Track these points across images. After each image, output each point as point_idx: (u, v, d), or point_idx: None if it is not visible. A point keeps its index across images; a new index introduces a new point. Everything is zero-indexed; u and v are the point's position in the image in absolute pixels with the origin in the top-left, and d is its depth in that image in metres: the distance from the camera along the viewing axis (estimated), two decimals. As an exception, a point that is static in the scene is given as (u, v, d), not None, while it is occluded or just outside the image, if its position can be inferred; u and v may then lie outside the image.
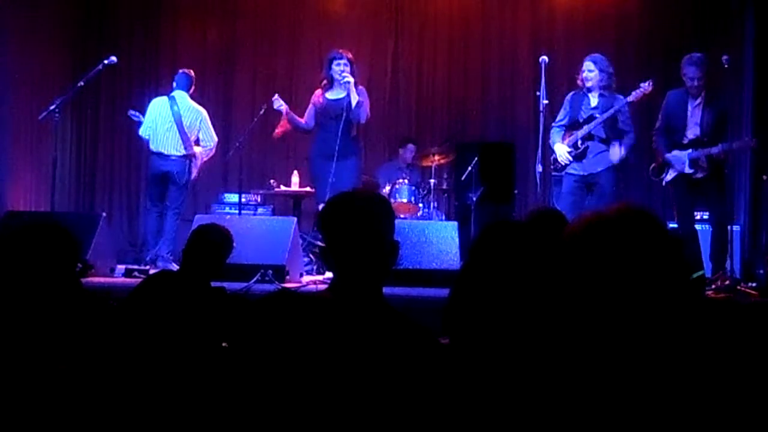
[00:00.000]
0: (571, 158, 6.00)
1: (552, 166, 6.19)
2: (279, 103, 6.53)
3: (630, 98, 5.93)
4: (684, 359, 1.40)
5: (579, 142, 5.97)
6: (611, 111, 5.91)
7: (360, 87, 6.42)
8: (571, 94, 6.20)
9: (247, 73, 9.07)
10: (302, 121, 6.58)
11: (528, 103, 8.02)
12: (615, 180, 6.05)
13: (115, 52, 6.74)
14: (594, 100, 6.04)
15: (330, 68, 6.38)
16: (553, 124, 6.20)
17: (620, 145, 5.94)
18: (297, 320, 1.75)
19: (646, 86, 5.90)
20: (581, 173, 6.01)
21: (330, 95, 6.41)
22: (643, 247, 1.39)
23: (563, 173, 6.10)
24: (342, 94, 6.34)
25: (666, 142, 5.97)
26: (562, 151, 6.04)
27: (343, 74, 6.26)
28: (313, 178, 6.72)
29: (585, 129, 5.97)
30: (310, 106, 6.55)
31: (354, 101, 6.24)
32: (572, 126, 6.06)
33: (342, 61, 6.32)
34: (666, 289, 1.39)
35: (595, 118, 5.94)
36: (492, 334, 1.69)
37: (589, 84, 6.01)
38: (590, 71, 5.98)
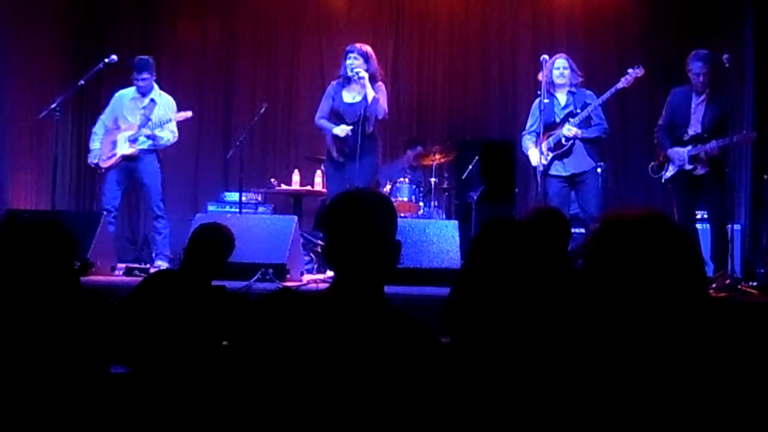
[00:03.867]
0: (546, 155, 5.99)
1: (542, 168, 6.12)
2: (346, 131, 6.13)
3: (620, 84, 5.95)
4: (689, 360, 1.41)
5: (563, 140, 5.97)
6: (593, 106, 5.94)
7: (379, 83, 6.18)
8: (537, 99, 6.14)
9: (248, 72, 9.07)
10: (327, 124, 6.27)
11: (529, 102, 7.94)
12: (599, 177, 6.13)
13: (116, 51, 6.74)
14: (563, 99, 6.07)
15: (345, 64, 6.17)
16: (523, 132, 6.23)
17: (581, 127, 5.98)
18: (298, 319, 1.75)
19: (636, 71, 5.91)
20: (563, 174, 6.03)
21: (347, 97, 6.20)
22: (665, 252, 1.41)
23: (548, 176, 6.08)
24: (359, 98, 6.14)
25: (667, 138, 5.99)
26: (535, 156, 6.05)
27: (355, 69, 6.05)
28: (326, 176, 6.70)
29: (570, 124, 5.96)
30: (327, 99, 6.29)
31: (370, 97, 6.05)
32: (547, 129, 6.03)
33: (353, 54, 6.10)
34: (681, 293, 1.40)
35: (576, 114, 5.96)
36: (493, 333, 1.69)
37: (562, 81, 6.03)
38: (565, 68, 6.02)
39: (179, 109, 6.76)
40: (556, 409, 1.41)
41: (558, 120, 6.01)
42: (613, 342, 1.41)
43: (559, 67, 6.02)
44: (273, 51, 9.09)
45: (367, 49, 6.18)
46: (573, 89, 6.06)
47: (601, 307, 1.42)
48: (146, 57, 6.71)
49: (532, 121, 6.19)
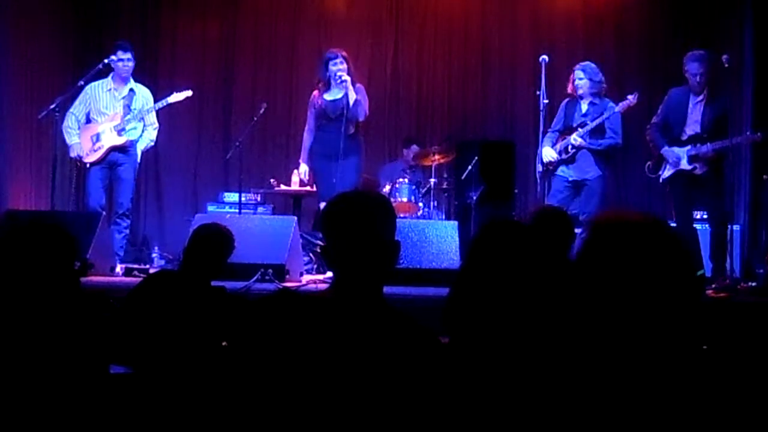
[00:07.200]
0: (557, 156, 6.16)
1: (541, 168, 6.27)
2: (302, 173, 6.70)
3: (617, 109, 6.08)
4: (685, 359, 1.41)
5: (569, 147, 6.09)
6: (601, 119, 6.08)
7: (358, 85, 6.39)
8: (565, 101, 6.36)
9: (247, 73, 9.06)
10: (308, 139, 6.57)
11: (528, 102, 8.01)
12: (604, 184, 6.20)
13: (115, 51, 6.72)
14: (585, 106, 6.24)
15: (327, 69, 6.35)
16: (549, 129, 6.32)
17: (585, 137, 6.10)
18: (297, 320, 1.76)
19: (632, 99, 6.11)
20: (569, 177, 6.15)
21: (328, 96, 6.40)
22: (660, 255, 1.41)
23: (554, 174, 6.23)
24: (340, 95, 6.32)
25: (662, 137, 6.03)
26: (547, 153, 6.23)
27: (339, 74, 6.24)
28: (315, 177, 6.73)
29: (578, 134, 6.09)
30: (310, 110, 6.53)
31: (351, 99, 6.23)
32: (566, 132, 6.21)
33: (337, 60, 6.29)
34: (673, 294, 1.40)
35: (587, 124, 6.12)
36: (491, 332, 1.69)
37: (580, 91, 6.22)
38: (580, 79, 6.19)
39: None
40: (554, 408, 1.41)
41: (575, 126, 6.15)
42: (606, 344, 1.41)
43: (575, 78, 6.21)
44: (272, 51, 9.08)
45: (346, 53, 6.40)
46: (596, 100, 6.19)
47: (594, 309, 1.42)
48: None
49: (556, 121, 6.37)
